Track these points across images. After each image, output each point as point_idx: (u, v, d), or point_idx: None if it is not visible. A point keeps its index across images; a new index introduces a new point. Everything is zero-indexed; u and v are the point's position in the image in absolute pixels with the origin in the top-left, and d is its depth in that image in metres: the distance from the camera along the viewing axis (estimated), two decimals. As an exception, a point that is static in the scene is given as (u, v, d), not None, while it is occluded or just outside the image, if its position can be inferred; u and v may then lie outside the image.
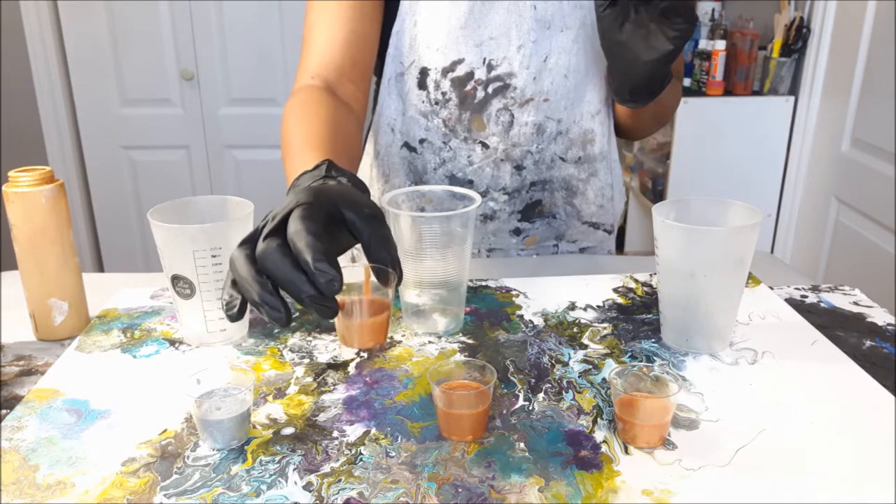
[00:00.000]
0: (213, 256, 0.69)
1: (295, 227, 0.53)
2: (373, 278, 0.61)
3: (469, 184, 0.96)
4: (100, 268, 2.93)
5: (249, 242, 0.55)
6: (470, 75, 0.91)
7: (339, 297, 0.55)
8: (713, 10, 2.69)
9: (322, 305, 0.51)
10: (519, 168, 0.96)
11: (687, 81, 2.66)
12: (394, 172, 0.99)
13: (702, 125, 2.46)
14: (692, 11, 0.75)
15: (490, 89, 0.92)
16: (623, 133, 1.05)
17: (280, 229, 0.54)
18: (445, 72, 0.91)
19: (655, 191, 2.84)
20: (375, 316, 0.61)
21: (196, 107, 2.72)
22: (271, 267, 0.52)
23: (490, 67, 0.91)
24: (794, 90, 2.41)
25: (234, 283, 0.55)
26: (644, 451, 0.57)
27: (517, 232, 1.01)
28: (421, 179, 0.98)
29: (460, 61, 0.91)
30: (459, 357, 0.71)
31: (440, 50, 0.91)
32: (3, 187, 0.71)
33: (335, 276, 0.51)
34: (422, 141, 0.96)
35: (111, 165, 2.79)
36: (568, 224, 1.03)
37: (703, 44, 2.57)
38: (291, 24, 2.62)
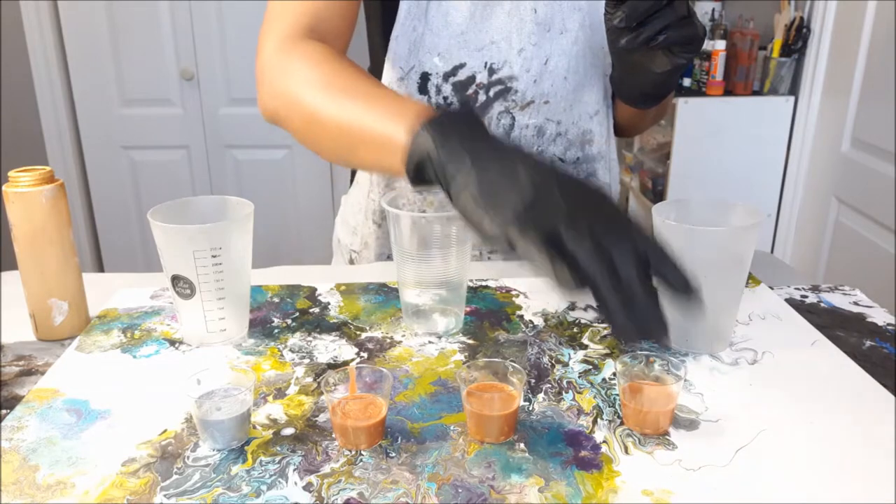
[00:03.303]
0: (213, 256, 0.69)
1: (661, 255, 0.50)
2: (365, 378, 0.60)
3: None
4: (100, 268, 2.93)
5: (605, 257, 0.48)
6: (471, 79, 0.91)
7: (333, 399, 0.58)
8: (713, 10, 2.69)
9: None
10: None
11: (687, 81, 2.65)
12: (394, 177, 0.99)
13: (702, 125, 2.46)
14: (700, 41, 0.75)
15: (491, 93, 0.92)
16: (623, 131, 1.05)
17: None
18: (447, 76, 0.91)
19: (655, 191, 2.84)
20: (371, 418, 0.58)
21: (196, 107, 2.72)
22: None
23: (491, 71, 0.91)
24: (794, 90, 2.41)
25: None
26: (644, 451, 0.57)
27: None
28: None
29: (462, 66, 0.91)
30: (484, 358, 0.71)
31: (441, 55, 0.91)
32: (3, 187, 0.71)
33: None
34: None
35: (111, 165, 2.79)
36: None
37: (704, 44, 2.57)
38: (291, 24, 2.62)
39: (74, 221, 1.92)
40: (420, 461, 0.56)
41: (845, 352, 0.72)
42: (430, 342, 0.74)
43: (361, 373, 0.61)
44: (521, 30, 0.90)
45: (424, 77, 0.92)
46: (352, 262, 1.09)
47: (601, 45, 0.92)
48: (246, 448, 0.57)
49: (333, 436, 0.59)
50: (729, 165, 2.49)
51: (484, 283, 0.88)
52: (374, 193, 1.03)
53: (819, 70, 2.30)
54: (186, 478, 0.54)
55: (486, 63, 0.91)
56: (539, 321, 0.79)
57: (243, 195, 0.76)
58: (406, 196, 0.77)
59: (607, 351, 0.72)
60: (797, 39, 2.33)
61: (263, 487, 0.53)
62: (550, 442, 0.58)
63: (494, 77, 0.91)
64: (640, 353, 0.64)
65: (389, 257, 1.05)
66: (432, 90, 0.92)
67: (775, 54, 2.39)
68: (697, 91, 2.56)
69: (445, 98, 0.92)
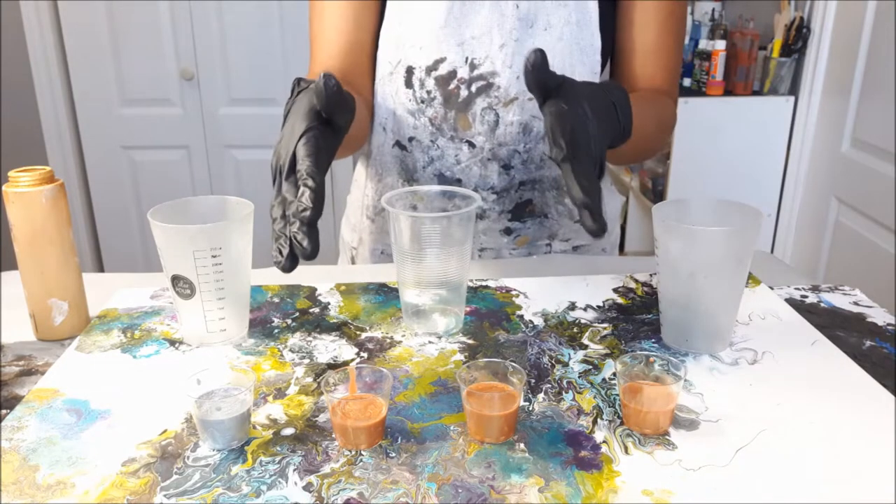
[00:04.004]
0: (213, 256, 0.69)
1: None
2: (365, 378, 0.61)
3: (457, 183, 0.97)
4: (100, 268, 2.93)
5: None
6: (453, 74, 0.92)
7: (333, 399, 0.59)
8: (713, 10, 2.69)
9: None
10: (507, 167, 0.96)
11: (687, 81, 2.66)
12: (386, 171, 1.00)
13: (702, 125, 2.46)
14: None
15: (473, 88, 0.92)
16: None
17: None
18: (429, 70, 0.92)
19: (655, 191, 2.84)
20: (371, 418, 0.58)
21: (196, 107, 2.72)
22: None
23: (473, 66, 0.91)
24: (794, 90, 2.41)
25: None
26: (644, 451, 0.57)
27: (508, 231, 1.01)
28: (412, 177, 0.99)
29: (442, 60, 0.91)
30: (483, 358, 0.71)
31: (423, 49, 0.91)
32: (3, 187, 0.71)
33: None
34: (411, 139, 0.96)
35: (111, 165, 2.79)
36: (560, 223, 1.03)
37: (703, 44, 2.57)
38: (291, 24, 2.62)
39: (74, 221, 1.92)
40: (420, 461, 0.56)
41: (845, 352, 0.72)
42: (430, 342, 0.74)
43: (361, 373, 0.61)
44: (503, 25, 0.90)
45: (409, 71, 0.93)
46: (353, 259, 1.09)
47: (590, 42, 0.92)
48: (246, 448, 0.57)
49: (333, 436, 0.59)
50: (729, 165, 2.49)
51: (484, 283, 0.89)
52: (368, 189, 1.03)
53: (819, 70, 2.30)
54: (186, 478, 0.54)
55: (466, 58, 0.91)
56: (539, 321, 0.79)
57: (243, 195, 0.76)
58: (399, 194, 0.77)
59: (607, 351, 0.72)
60: (797, 39, 2.33)
61: (263, 487, 0.53)
62: (550, 442, 0.58)
63: (476, 72, 0.91)
64: (640, 353, 0.64)
65: (384, 252, 1.05)
66: (416, 84, 0.93)
67: (775, 54, 2.39)
68: (697, 91, 2.56)
69: (429, 92, 0.93)
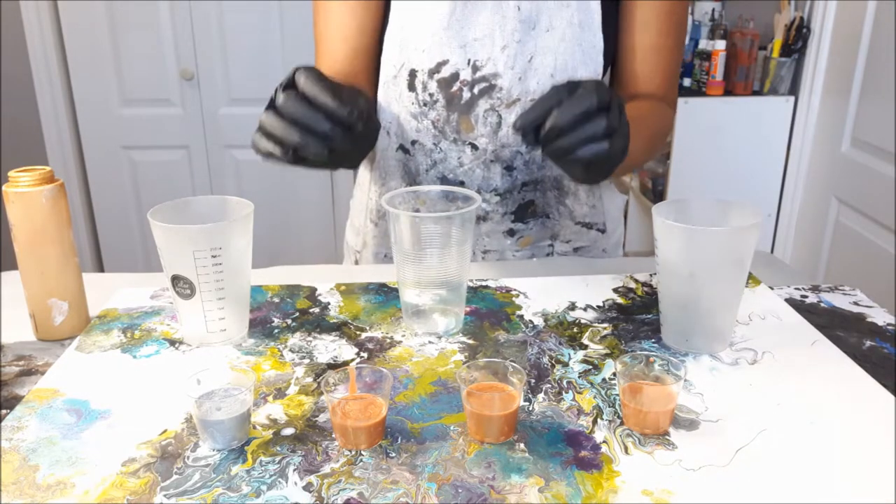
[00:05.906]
0: (213, 256, 0.69)
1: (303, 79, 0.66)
2: (365, 378, 0.60)
3: (460, 185, 0.97)
4: (100, 268, 2.93)
5: (271, 106, 0.66)
6: (455, 76, 0.92)
7: (333, 399, 0.58)
8: (713, 10, 2.69)
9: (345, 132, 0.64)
10: (509, 169, 0.96)
11: (687, 81, 2.65)
12: (390, 175, 1.00)
13: (702, 125, 2.46)
14: (611, 161, 0.68)
15: (476, 90, 0.92)
16: None
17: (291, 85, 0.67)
18: (431, 73, 0.92)
19: (655, 191, 2.84)
20: (371, 418, 0.58)
21: (196, 107, 2.72)
22: (293, 111, 0.65)
23: (475, 68, 0.91)
24: (794, 90, 2.41)
25: (269, 136, 0.65)
26: (644, 451, 0.57)
27: (511, 233, 1.01)
28: (414, 181, 0.99)
29: (445, 62, 0.91)
30: (483, 358, 0.71)
31: (426, 51, 0.91)
32: (3, 187, 0.71)
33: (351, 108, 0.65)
34: (413, 142, 0.96)
35: (111, 165, 2.79)
36: (561, 224, 1.03)
37: (703, 44, 2.57)
38: (291, 24, 2.62)
39: (74, 221, 1.92)
40: (420, 461, 0.56)
41: (845, 352, 0.72)
42: (430, 342, 0.74)
43: (361, 373, 0.61)
44: (504, 27, 0.90)
45: (412, 74, 0.93)
46: (357, 262, 1.09)
47: (592, 43, 0.92)
48: (246, 448, 0.57)
49: (333, 436, 0.59)
50: (729, 165, 2.49)
51: (484, 283, 0.89)
52: (372, 193, 1.03)
53: (819, 70, 2.30)
54: (186, 478, 0.54)
55: (469, 60, 0.91)
56: (539, 321, 0.79)
57: (243, 195, 0.76)
58: (401, 195, 0.77)
59: (607, 351, 0.72)
60: (797, 39, 2.33)
61: (263, 487, 0.53)
62: (550, 442, 0.58)
63: (478, 74, 0.92)
64: (640, 353, 0.64)
65: (387, 256, 1.05)
66: (419, 87, 0.93)
67: (775, 54, 2.39)
68: (697, 91, 2.56)
69: (431, 95, 0.93)
